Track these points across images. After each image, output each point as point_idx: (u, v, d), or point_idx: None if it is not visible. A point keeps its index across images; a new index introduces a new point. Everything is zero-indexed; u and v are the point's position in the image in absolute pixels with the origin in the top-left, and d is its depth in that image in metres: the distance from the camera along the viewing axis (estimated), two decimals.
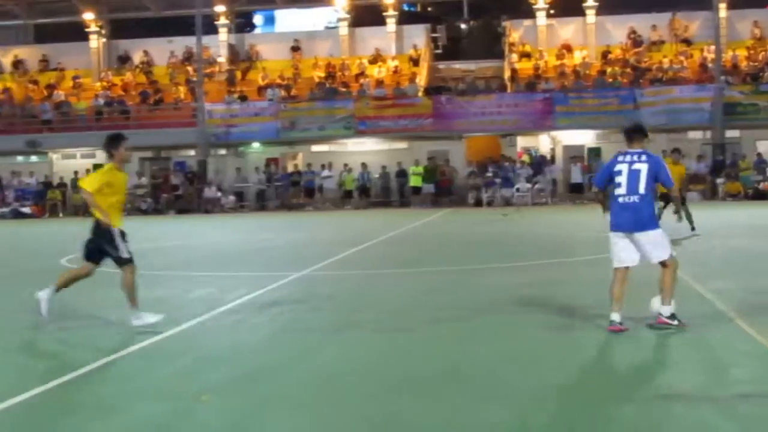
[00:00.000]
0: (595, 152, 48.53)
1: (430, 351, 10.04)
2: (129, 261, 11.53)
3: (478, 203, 46.03)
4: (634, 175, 10.64)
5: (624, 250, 10.78)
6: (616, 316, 10.64)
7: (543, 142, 49.84)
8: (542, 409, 7.52)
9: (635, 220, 10.67)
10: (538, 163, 48.04)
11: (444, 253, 22.10)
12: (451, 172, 48.08)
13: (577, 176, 46.67)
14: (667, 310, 10.72)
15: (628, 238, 10.75)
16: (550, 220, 33.76)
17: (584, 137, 48.93)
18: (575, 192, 46.57)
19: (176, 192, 50.18)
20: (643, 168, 10.68)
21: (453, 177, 48.15)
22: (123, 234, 11.58)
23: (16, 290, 15.95)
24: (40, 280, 17.60)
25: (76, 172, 50.71)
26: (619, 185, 10.72)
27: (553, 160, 48.78)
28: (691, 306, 12.06)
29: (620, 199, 10.71)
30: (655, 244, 10.73)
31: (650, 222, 10.68)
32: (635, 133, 11.02)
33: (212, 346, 10.51)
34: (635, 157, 10.76)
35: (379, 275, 17.31)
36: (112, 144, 11.73)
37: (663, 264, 10.82)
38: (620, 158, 10.86)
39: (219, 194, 48.89)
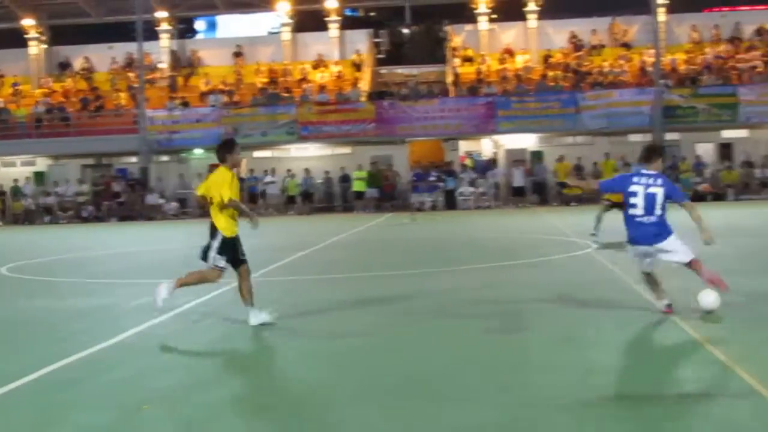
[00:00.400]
0: (537, 156, 48.85)
1: (380, 355, 10.03)
2: (220, 269, 11.94)
3: (421, 208, 46.09)
4: (650, 198, 11.28)
5: (644, 260, 11.57)
6: (666, 301, 11.56)
7: (486, 146, 50.04)
8: (500, 411, 7.53)
9: (653, 234, 11.34)
10: (481, 167, 48.22)
11: (389, 257, 22.12)
12: (394, 176, 48.15)
13: (519, 180, 46.86)
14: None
15: (647, 249, 11.45)
16: (493, 224, 33.85)
17: (526, 141, 49.20)
18: (518, 195, 46.79)
19: (118, 199, 49.68)
20: (659, 192, 11.32)
21: (396, 182, 48.22)
22: (235, 243, 11.98)
23: None
24: None
25: (15, 180, 50.37)
26: (634, 206, 11.35)
27: (495, 163, 48.97)
28: (633, 307, 12.21)
29: (637, 219, 11.38)
30: (674, 249, 11.41)
31: (665, 232, 11.38)
32: (653, 154, 11.59)
33: (155, 354, 10.38)
34: (651, 180, 11.36)
35: (324, 280, 17.28)
36: (228, 149, 11.90)
37: (690, 266, 11.50)
38: (635, 179, 11.44)
39: (161, 201, 48.57)
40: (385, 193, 47.53)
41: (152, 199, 48.52)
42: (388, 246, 25.84)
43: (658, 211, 11.27)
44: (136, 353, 10.45)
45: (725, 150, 48.25)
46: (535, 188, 47.15)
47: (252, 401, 8.30)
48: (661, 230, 11.37)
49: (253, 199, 48.31)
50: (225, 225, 11.86)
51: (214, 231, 12.01)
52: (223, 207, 11.76)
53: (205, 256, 12.03)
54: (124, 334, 11.51)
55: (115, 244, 31.08)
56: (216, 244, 11.91)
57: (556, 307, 12.72)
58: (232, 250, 11.96)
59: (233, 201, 11.70)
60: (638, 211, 11.28)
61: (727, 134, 48.19)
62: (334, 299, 14.35)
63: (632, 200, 11.31)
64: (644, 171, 11.44)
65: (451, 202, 46.44)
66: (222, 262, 11.85)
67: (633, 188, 11.32)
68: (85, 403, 8.26)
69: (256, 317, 11.87)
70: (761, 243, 21.06)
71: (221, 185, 11.71)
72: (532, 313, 12.34)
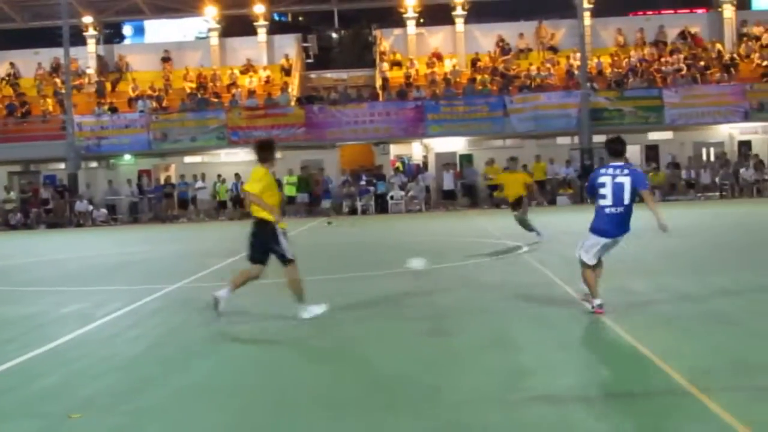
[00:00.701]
0: (466, 159, 49.18)
1: (310, 361, 10.08)
2: (292, 261, 12.47)
3: (353, 212, 46.22)
4: (618, 188, 11.55)
5: (599, 252, 11.87)
6: (598, 301, 11.77)
7: (416, 150, 50.29)
8: (432, 413, 7.59)
9: (621, 226, 11.75)
10: (411, 171, 48.45)
11: (319, 261, 22.10)
12: (324, 181, 48.15)
13: (449, 183, 47.11)
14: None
15: (608, 242, 11.80)
16: (423, 227, 34.02)
17: (456, 144, 49.52)
18: (448, 198, 47.05)
19: (46, 206, 49.12)
20: (626, 181, 11.61)
21: (326, 186, 48.22)
22: (285, 234, 12.53)
23: None
24: None
25: None
26: (604, 197, 11.65)
27: (426, 167, 49.21)
28: (562, 307, 12.39)
29: (606, 210, 11.69)
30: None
31: (629, 225, 11.79)
32: (622, 146, 12.03)
33: (85, 362, 10.33)
34: (618, 171, 11.66)
35: (254, 286, 17.21)
36: (269, 150, 12.87)
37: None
38: (603, 170, 11.81)
39: (90, 207, 48.12)
40: (316, 198, 47.50)
41: (81, 206, 48.05)
42: (319, 250, 25.83)
43: (626, 201, 11.58)
44: (65, 361, 10.39)
45: (651, 152, 48.91)
46: (465, 191, 47.45)
47: (181, 408, 8.27)
48: (627, 222, 11.73)
49: (183, 204, 48.12)
50: (271, 218, 12.41)
51: (270, 233, 12.48)
52: (246, 199, 12.77)
53: (283, 259, 12.52)
54: (53, 343, 11.44)
55: (43, 251, 30.75)
56: (281, 240, 12.47)
57: (486, 309, 12.83)
58: (275, 240, 12.45)
59: (254, 196, 12.35)
60: (607, 201, 11.60)
61: (654, 136, 48.86)
62: (263, 305, 14.38)
63: (602, 191, 11.62)
64: (613, 163, 11.81)
65: (382, 206, 46.56)
66: (292, 251, 12.43)
67: (601, 179, 11.65)
68: (11, 412, 8.20)
69: (223, 295, 12.66)
70: (688, 243, 21.47)
71: (252, 180, 12.40)
72: (462, 314, 12.49)
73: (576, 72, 50.14)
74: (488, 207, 45.54)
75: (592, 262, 11.81)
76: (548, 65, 52.34)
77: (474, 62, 53.71)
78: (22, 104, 53.15)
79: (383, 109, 49.01)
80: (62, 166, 50.24)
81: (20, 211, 48.74)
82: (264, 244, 12.52)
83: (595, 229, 11.76)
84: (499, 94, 48.86)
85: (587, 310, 11.82)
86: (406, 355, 10.05)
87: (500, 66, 52.87)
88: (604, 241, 11.73)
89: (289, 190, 47.23)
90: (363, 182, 47.35)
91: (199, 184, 48.28)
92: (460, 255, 20.67)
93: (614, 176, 11.57)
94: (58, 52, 53.37)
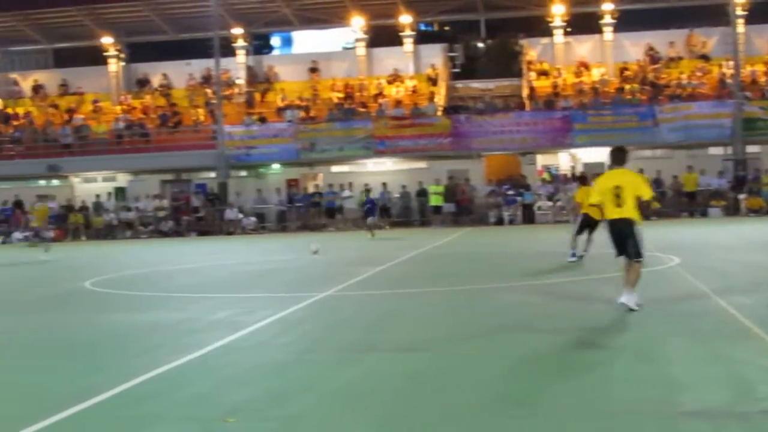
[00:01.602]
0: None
1: (457, 368, 10.05)
2: (642, 257, 13.39)
3: (499, 222, 46.25)
4: None
5: None
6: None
7: (563, 160, 50.02)
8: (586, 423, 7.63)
9: None
10: (559, 181, 48.21)
11: (467, 272, 22.16)
12: (470, 191, 48.28)
13: None
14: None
15: None
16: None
17: (604, 154, 48.96)
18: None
19: (197, 214, 50.46)
20: None
21: (473, 196, 48.33)
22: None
23: (43, 316, 16.23)
24: (70, 302, 17.93)
25: (97, 196, 51.34)
26: None
27: (573, 177, 48.90)
28: (713, 320, 12.26)
29: None
30: None
31: None
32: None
33: (236, 368, 10.45)
34: None
35: (403, 295, 17.29)
36: (626, 153, 13.89)
37: None
38: None
39: (240, 216, 49.13)
40: (462, 208, 47.66)
41: (231, 214, 49.11)
42: (466, 259, 25.91)
43: None
44: (217, 367, 10.55)
45: None
46: None
47: (331, 414, 8.34)
48: None
49: (330, 213, 48.71)
50: (639, 218, 13.32)
51: (627, 229, 13.31)
52: (646, 204, 13.54)
53: (637, 253, 13.31)
54: (204, 349, 11.60)
55: (193, 258, 31.47)
56: (640, 237, 13.35)
57: (636, 321, 12.68)
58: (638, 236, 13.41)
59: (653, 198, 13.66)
60: None
61: None
62: (412, 313, 14.52)
63: None
64: None
65: (529, 216, 46.44)
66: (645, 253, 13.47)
67: None
68: (165, 416, 8.39)
69: (629, 299, 13.25)
70: None
71: (641, 185, 13.47)
72: (611, 326, 12.43)
73: (728, 81, 49.22)
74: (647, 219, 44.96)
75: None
76: (699, 74, 51.47)
77: (622, 71, 53.18)
78: (174, 114, 54.68)
79: (530, 119, 48.91)
80: (212, 174, 51.51)
81: (171, 219, 50.07)
82: (625, 237, 13.33)
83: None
84: (649, 104, 48.28)
85: (741, 324, 11.64)
86: (554, 365, 9.99)
87: (650, 75, 52.23)
88: None
89: (436, 200, 47.51)
90: (509, 192, 47.31)
91: (346, 193, 48.88)
92: (609, 267, 20.53)
93: None
94: (208, 63, 54.65)
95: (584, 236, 22.38)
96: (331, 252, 30.98)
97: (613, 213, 13.38)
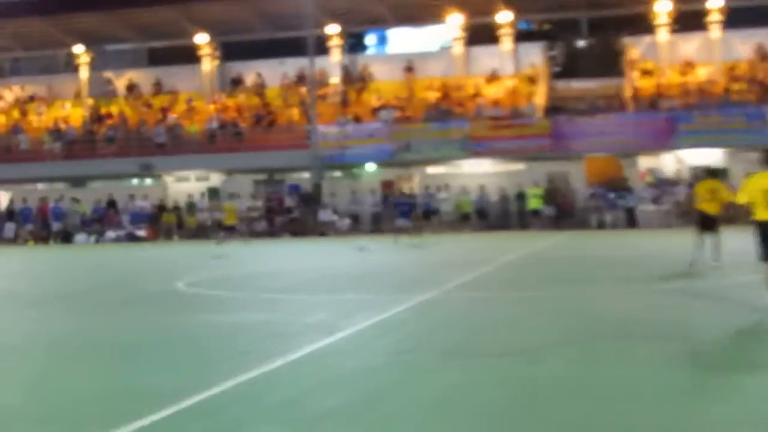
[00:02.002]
0: (722, 173, 47.57)
1: (560, 378, 9.70)
2: None
3: (601, 226, 45.48)
4: None
5: None
6: None
7: (667, 162, 49.07)
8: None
9: None
10: (662, 184, 47.29)
11: (578, 275, 21.81)
12: (571, 193, 47.61)
13: None
14: None
15: None
16: (681, 243, 33.07)
17: (710, 157, 48.00)
18: None
19: (291, 215, 50.53)
20: None
21: (573, 199, 47.64)
22: None
23: (134, 316, 16.33)
24: (162, 303, 17.92)
25: (190, 195, 51.70)
26: None
27: (678, 180, 47.93)
28: None
29: None
30: None
31: None
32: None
33: (329, 372, 10.28)
34: None
35: (509, 298, 17.19)
36: None
37: None
38: None
39: (334, 217, 49.08)
40: (562, 211, 47.02)
41: (325, 215, 49.17)
42: (575, 263, 25.59)
43: None
44: (309, 371, 10.40)
45: None
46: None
47: (424, 419, 8.20)
48: None
49: (426, 216, 48.26)
50: None
51: None
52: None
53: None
54: (296, 353, 11.37)
55: (288, 259, 31.77)
56: None
57: (746, 330, 12.41)
58: None
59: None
60: None
61: None
62: (519, 317, 14.38)
63: None
64: None
65: (631, 220, 45.60)
66: None
67: None
68: (255, 419, 8.32)
69: None
70: None
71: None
72: (720, 336, 12.06)
73: None
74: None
75: None
76: None
77: (730, 70, 52.09)
78: (268, 113, 55.02)
79: (632, 120, 48.28)
80: (306, 175, 51.80)
81: (265, 219, 50.22)
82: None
83: None
84: (758, 104, 47.16)
85: None
86: (660, 376, 9.58)
87: (759, 74, 51.03)
88: None
89: (535, 203, 47.01)
90: (611, 195, 46.51)
91: (443, 195, 48.57)
92: (721, 274, 19.83)
93: None
94: (303, 62, 54.85)
95: (707, 239, 21.24)
96: (431, 254, 30.74)
97: (764, 214, 13.68)
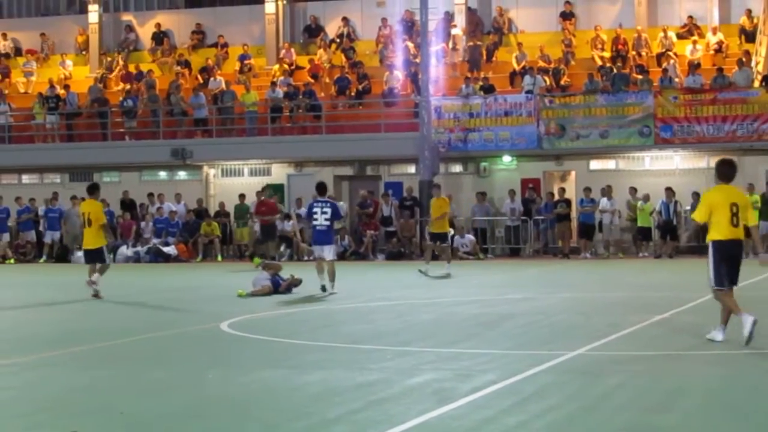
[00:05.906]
0: None
1: (653, 403, 9.91)
2: None
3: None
4: None
5: None
6: None
7: None
8: None
9: None
10: None
11: None
12: None
13: None
14: None
15: None
16: None
17: None
18: None
19: (388, 228, 50.39)
20: None
21: None
22: None
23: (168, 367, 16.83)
24: (201, 353, 18.41)
25: (242, 196, 51.06)
26: None
27: None
28: None
29: None
30: None
31: None
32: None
33: None
34: None
35: (694, 358, 17.27)
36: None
37: None
38: None
39: (451, 231, 48.78)
40: None
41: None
42: None
43: None
44: None
45: None
46: None
47: None
48: None
49: (586, 231, 47.96)
50: None
51: None
52: None
53: None
54: (398, 427, 11.69)
55: (381, 290, 31.94)
56: None
57: None
58: None
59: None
60: None
61: None
62: (714, 389, 14.44)
63: None
64: None
65: None
66: None
67: None
68: None
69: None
70: None
71: None
72: None
73: None
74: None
75: None
76: None
77: None
78: (359, 79, 55.10)
79: None
80: (411, 169, 51.55)
81: (350, 234, 49.83)
82: None
83: None
84: None
85: None
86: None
87: None
88: None
89: (750, 217, 46.57)
90: None
91: (606, 202, 47.93)
92: None
93: None
94: (410, 3, 54.94)
95: None
96: (585, 289, 30.71)
97: (726, 232, 17.61)
